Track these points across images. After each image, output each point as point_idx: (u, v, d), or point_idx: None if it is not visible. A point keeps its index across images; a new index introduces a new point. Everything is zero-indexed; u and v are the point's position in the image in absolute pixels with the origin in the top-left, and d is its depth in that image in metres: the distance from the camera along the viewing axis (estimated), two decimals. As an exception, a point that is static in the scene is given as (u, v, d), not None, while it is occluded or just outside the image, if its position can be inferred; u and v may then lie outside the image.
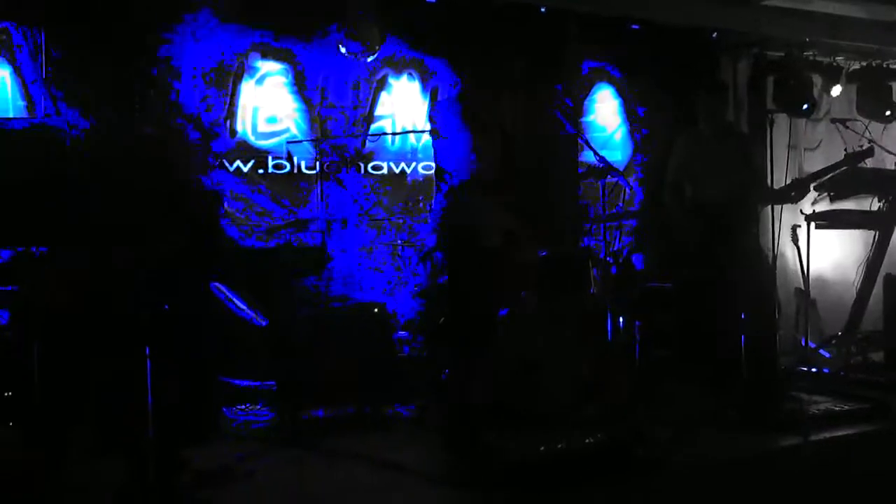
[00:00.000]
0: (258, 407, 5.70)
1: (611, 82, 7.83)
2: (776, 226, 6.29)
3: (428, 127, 6.82)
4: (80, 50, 5.79)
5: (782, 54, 8.27)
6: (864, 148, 6.82)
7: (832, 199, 7.63)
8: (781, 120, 7.74)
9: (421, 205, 6.90)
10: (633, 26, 7.56)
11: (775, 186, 6.25)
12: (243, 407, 5.68)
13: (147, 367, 3.80)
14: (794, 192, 6.17)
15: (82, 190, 4.45)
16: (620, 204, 6.76)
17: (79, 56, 5.78)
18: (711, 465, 4.63)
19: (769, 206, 6.28)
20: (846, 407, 5.57)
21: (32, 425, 4.23)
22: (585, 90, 7.69)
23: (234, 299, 5.68)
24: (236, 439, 5.18)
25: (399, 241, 6.78)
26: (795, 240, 7.07)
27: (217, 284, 5.57)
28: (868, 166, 7.13)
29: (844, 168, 6.57)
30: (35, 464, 3.99)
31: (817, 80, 8.54)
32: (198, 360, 4.71)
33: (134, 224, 4.42)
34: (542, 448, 4.36)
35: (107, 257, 4.38)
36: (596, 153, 5.41)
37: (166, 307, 4.17)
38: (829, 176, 6.61)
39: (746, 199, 5.98)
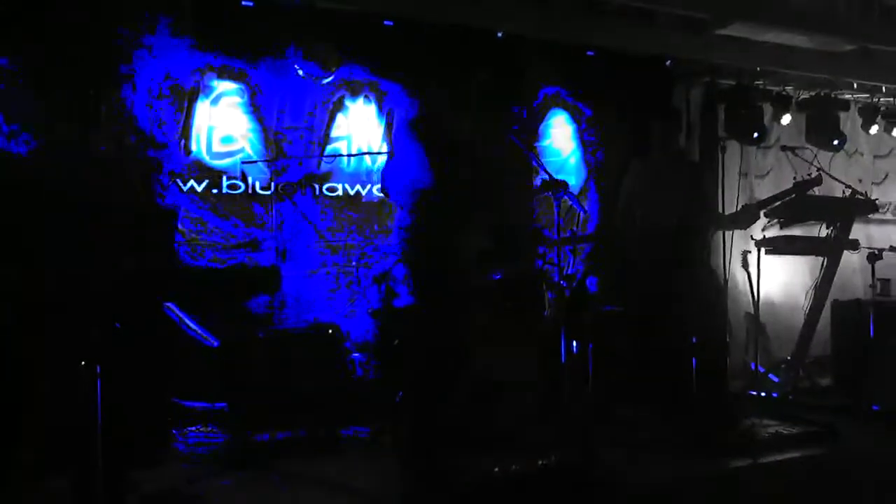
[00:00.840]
0: (209, 429, 5.62)
1: (565, 108, 7.89)
2: (727, 251, 6.39)
3: (384, 149, 6.86)
4: (33, 68, 5.71)
5: (734, 83, 8.42)
6: (812, 176, 6.96)
7: (782, 226, 7.75)
8: (733, 147, 7.86)
9: (376, 226, 6.89)
10: (589, 52, 7.65)
11: (726, 212, 6.34)
12: (194, 429, 5.60)
13: (97, 387, 3.75)
14: (743, 219, 6.27)
15: (31, 209, 4.39)
16: (576, 227, 6.80)
17: (31, 74, 5.71)
18: (664, 486, 4.66)
19: (720, 232, 6.37)
20: (795, 430, 5.65)
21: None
22: (540, 115, 7.75)
23: (186, 319, 5.61)
24: (187, 462, 5.10)
25: (354, 263, 6.76)
26: (746, 265, 7.16)
27: (169, 304, 5.50)
28: (816, 194, 7.27)
29: (793, 195, 6.70)
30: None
31: (768, 108, 8.71)
32: (148, 380, 4.64)
33: (85, 242, 4.36)
34: (496, 469, 4.36)
35: (57, 276, 4.31)
36: (551, 176, 5.44)
37: (118, 325, 4.11)
38: (778, 203, 6.73)
39: (697, 225, 6.05)
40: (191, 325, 5.53)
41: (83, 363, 3.77)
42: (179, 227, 6.16)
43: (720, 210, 6.29)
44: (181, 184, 6.27)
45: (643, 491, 4.56)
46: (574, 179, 7.83)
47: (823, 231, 7.57)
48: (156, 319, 5.05)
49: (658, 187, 6.02)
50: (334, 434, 5.59)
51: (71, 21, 5.71)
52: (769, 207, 6.77)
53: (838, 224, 7.47)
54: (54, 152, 5.56)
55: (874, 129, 9.20)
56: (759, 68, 8.38)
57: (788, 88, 8.78)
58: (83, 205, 4.33)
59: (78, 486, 4.01)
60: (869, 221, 8.94)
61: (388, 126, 7.00)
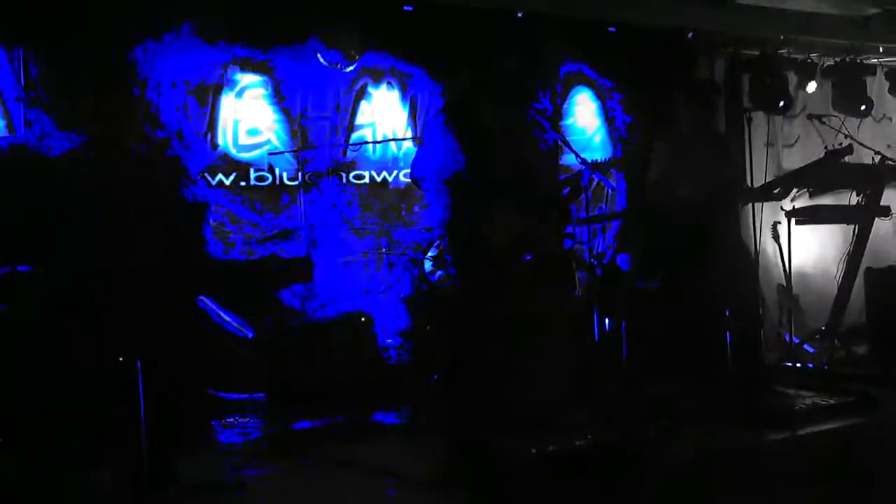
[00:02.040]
0: (248, 419, 5.69)
1: (589, 85, 7.86)
2: (756, 223, 6.35)
3: (409, 135, 6.87)
4: (60, 67, 5.76)
5: (757, 53, 8.35)
6: (843, 146, 6.88)
7: (811, 195, 7.69)
8: (758, 118, 7.81)
9: (404, 212, 6.91)
10: (610, 29, 7.61)
11: (755, 184, 6.30)
12: (233, 419, 5.67)
13: (139, 380, 3.80)
14: (777, 190, 6.22)
15: (65, 207, 4.45)
16: (603, 205, 6.79)
17: (59, 73, 5.76)
18: (701, 461, 4.66)
19: (750, 204, 6.33)
20: (832, 401, 5.61)
21: (24, 441, 4.22)
22: (564, 93, 7.72)
23: (221, 312, 5.67)
24: (227, 452, 5.17)
25: (383, 249, 6.79)
26: (776, 236, 7.11)
27: (203, 298, 5.56)
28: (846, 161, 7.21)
29: (825, 165, 6.64)
30: (27, 479, 3.98)
31: (793, 77, 8.62)
32: (186, 373, 4.70)
33: (120, 240, 4.42)
34: (533, 450, 4.38)
35: (91, 274, 4.37)
36: (577, 155, 5.44)
37: (156, 320, 4.17)
38: (810, 174, 6.68)
39: (727, 198, 6.01)
40: (225, 317, 5.60)
41: (124, 357, 3.83)
42: (210, 221, 6.21)
43: (749, 182, 6.24)
44: (210, 178, 6.32)
45: (680, 467, 4.56)
46: (600, 156, 7.74)
47: (854, 199, 7.50)
48: (191, 313, 5.11)
49: (689, 161, 5.99)
50: (370, 419, 5.64)
51: (95, 19, 5.75)
52: (801, 179, 6.72)
53: (869, 191, 7.40)
54: (83, 152, 5.63)
55: (902, 93, 9.09)
56: (782, 37, 8.30)
57: (813, 56, 8.67)
58: (116, 203, 4.38)
59: (122, 477, 4.08)
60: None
61: (413, 111, 7.01)
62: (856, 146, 7.18)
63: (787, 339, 7.21)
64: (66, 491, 4.14)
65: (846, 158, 6.83)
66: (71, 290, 4.29)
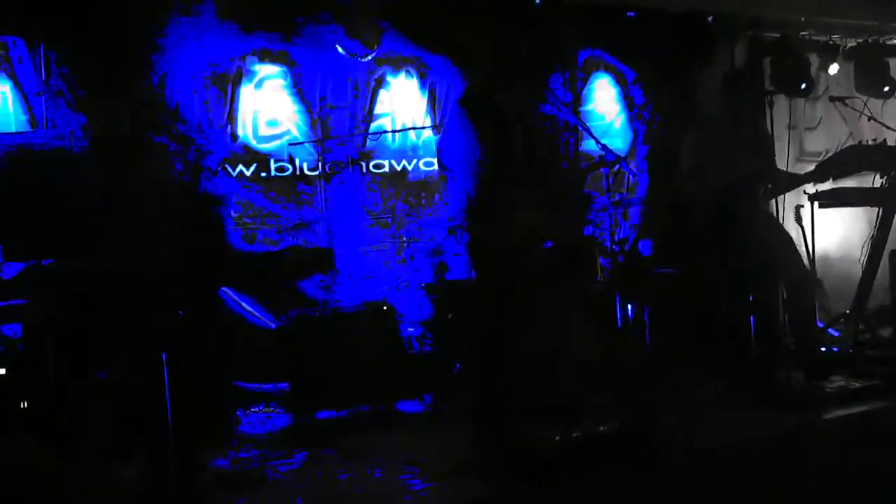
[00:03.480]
0: (272, 409, 5.71)
1: (608, 70, 7.82)
2: (780, 207, 6.30)
3: (428, 123, 6.86)
4: (80, 61, 5.78)
5: (778, 35, 8.27)
6: (876, 141, 6.81)
7: (834, 179, 7.61)
8: (780, 101, 7.74)
9: (424, 201, 6.91)
10: (629, 13, 7.56)
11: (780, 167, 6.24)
12: (257, 410, 5.69)
13: (165, 372, 3.82)
14: (816, 179, 6.19)
15: (87, 201, 4.48)
16: (625, 191, 6.75)
17: (79, 67, 5.78)
18: (726, 447, 4.64)
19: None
20: (859, 384, 5.58)
21: (49, 436, 4.25)
22: (583, 79, 7.69)
23: (243, 303, 5.69)
24: (252, 443, 5.19)
25: (404, 238, 6.79)
26: (799, 220, 7.05)
27: (225, 289, 5.58)
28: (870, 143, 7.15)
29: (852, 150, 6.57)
30: (54, 472, 4.01)
31: (814, 59, 8.54)
32: (210, 364, 4.72)
33: (139, 233, 4.44)
34: (557, 438, 4.39)
35: (115, 266, 4.40)
36: (597, 141, 5.42)
37: (181, 312, 4.19)
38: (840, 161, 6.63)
39: (759, 185, 5.94)
40: (248, 308, 5.62)
41: (150, 351, 3.85)
42: (231, 212, 6.22)
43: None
44: (230, 169, 6.33)
45: (705, 453, 4.55)
46: (620, 142, 7.77)
47: (878, 181, 7.42)
48: (215, 305, 5.13)
49: (720, 148, 5.91)
50: (393, 409, 5.65)
51: (113, 12, 5.76)
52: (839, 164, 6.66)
53: (893, 173, 7.32)
54: (104, 145, 5.66)
55: (926, 73, 8.98)
56: (803, 18, 8.22)
57: (835, 37, 8.59)
58: (138, 196, 4.41)
59: (150, 468, 4.11)
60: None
61: (432, 99, 7.00)
62: (879, 128, 7.10)
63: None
64: (93, 484, 4.17)
65: (868, 141, 6.75)
66: (93, 283, 4.32)
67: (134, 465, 4.24)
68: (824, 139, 8.44)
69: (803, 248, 6.86)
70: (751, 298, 5.53)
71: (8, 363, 4.49)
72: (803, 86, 8.24)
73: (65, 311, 4.39)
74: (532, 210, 4.83)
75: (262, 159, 6.45)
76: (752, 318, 5.51)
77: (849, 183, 7.47)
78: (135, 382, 4.14)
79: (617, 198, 6.29)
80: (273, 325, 5.72)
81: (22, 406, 4.37)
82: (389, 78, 6.89)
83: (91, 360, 4.40)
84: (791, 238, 6.02)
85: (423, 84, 7.00)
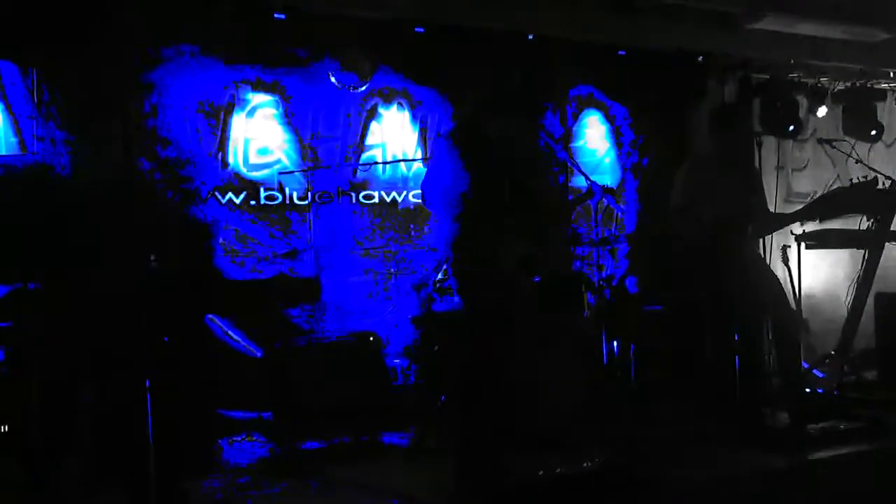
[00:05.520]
0: (255, 438, 5.68)
1: (598, 108, 7.89)
2: (766, 247, 6.33)
3: (419, 155, 6.88)
4: (72, 86, 5.80)
5: (768, 77, 8.36)
6: (868, 178, 6.85)
7: (821, 220, 7.66)
8: (769, 141, 7.80)
9: (413, 233, 6.92)
10: (620, 52, 7.63)
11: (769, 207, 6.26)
12: (240, 438, 5.66)
13: (147, 399, 3.80)
14: (804, 218, 6.22)
15: (75, 226, 4.47)
16: (613, 228, 6.78)
17: (71, 92, 5.80)
18: (710, 484, 4.63)
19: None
20: (842, 426, 5.57)
21: (31, 460, 4.22)
22: (574, 116, 7.74)
23: (229, 331, 5.67)
24: (234, 471, 5.15)
25: (392, 269, 6.80)
26: (786, 260, 7.09)
27: (211, 316, 5.57)
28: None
29: (843, 190, 6.61)
30: (35, 497, 3.98)
31: (803, 101, 8.62)
32: (194, 392, 4.70)
33: (127, 258, 4.43)
34: (541, 472, 4.37)
35: (101, 291, 4.38)
36: (587, 177, 5.44)
37: (166, 339, 4.17)
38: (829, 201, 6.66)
39: (750, 223, 5.96)
40: (234, 336, 5.60)
41: (133, 377, 3.83)
42: (220, 239, 6.22)
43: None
44: (220, 196, 6.34)
45: (688, 490, 4.54)
46: (609, 179, 7.82)
47: (864, 223, 7.47)
48: (200, 332, 5.11)
49: (713, 186, 5.91)
50: (378, 440, 5.63)
51: (106, 39, 5.78)
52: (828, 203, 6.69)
53: (880, 216, 7.37)
54: (94, 171, 5.66)
55: (912, 118, 9.09)
56: (792, 61, 8.31)
57: (823, 80, 8.69)
58: (126, 222, 4.41)
59: (131, 494, 4.07)
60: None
61: (423, 132, 7.04)
62: (867, 171, 7.15)
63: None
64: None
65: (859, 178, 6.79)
66: (78, 307, 4.30)
67: (115, 492, 4.20)
68: (812, 181, 8.50)
69: (790, 288, 6.89)
70: (736, 337, 5.53)
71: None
72: (791, 128, 8.32)
73: (50, 335, 4.37)
74: (520, 244, 4.83)
75: (252, 187, 6.46)
76: (737, 357, 5.51)
77: (836, 224, 7.52)
78: (118, 408, 4.12)
79: (605, 234, 6.32)
80: (259, 354, 5.70)
81: (2, 430, 4.33)
82: (381, 109, 6.93)
83: (75, 385, 4.37)
84: (777, 278, 6.03)
85: (414, 116, 7.03)
